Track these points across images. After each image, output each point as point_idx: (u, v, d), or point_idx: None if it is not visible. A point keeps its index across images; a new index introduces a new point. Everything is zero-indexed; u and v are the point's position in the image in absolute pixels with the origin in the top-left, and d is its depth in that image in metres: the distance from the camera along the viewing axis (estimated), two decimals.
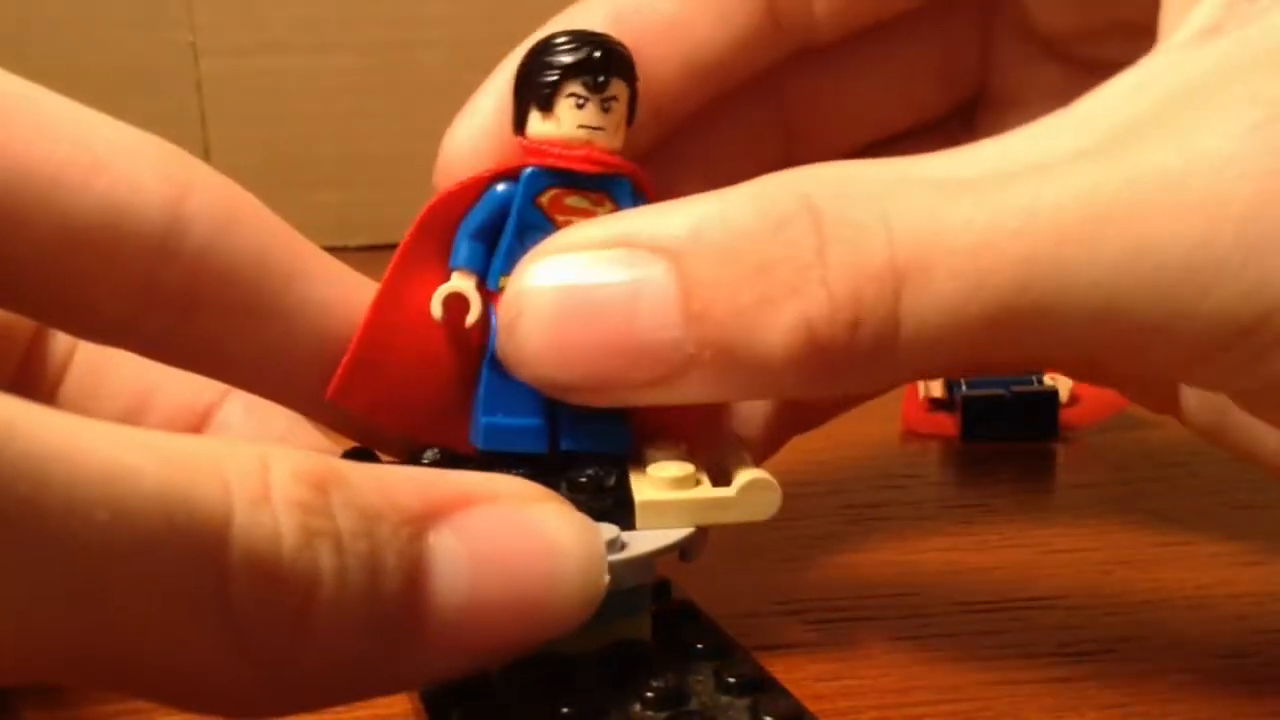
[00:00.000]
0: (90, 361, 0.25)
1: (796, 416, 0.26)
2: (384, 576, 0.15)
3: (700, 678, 0.19)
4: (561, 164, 0.21)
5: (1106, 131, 0.18)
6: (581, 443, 0.21)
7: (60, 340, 0.25)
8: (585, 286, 0.19)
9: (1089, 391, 0.35)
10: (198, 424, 0.25)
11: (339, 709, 0.21)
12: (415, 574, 0.15)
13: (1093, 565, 0.27)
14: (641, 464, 0.21)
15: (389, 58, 0.70)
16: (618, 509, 0.20)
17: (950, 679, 0.22)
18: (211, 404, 0.25)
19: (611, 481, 0.20)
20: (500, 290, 0.21)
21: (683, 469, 0.20)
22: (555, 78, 0.21)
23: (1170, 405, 0.26)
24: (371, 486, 0.15)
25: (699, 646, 0.20)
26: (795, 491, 0.32)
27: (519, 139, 0.21)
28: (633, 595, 0.19)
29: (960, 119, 0.27)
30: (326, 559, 0.14)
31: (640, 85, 0.22)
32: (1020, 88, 0.26)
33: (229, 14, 0.71)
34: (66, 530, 0.12)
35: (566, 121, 0.21)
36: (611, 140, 0.21)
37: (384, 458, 0.22)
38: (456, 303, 0.21)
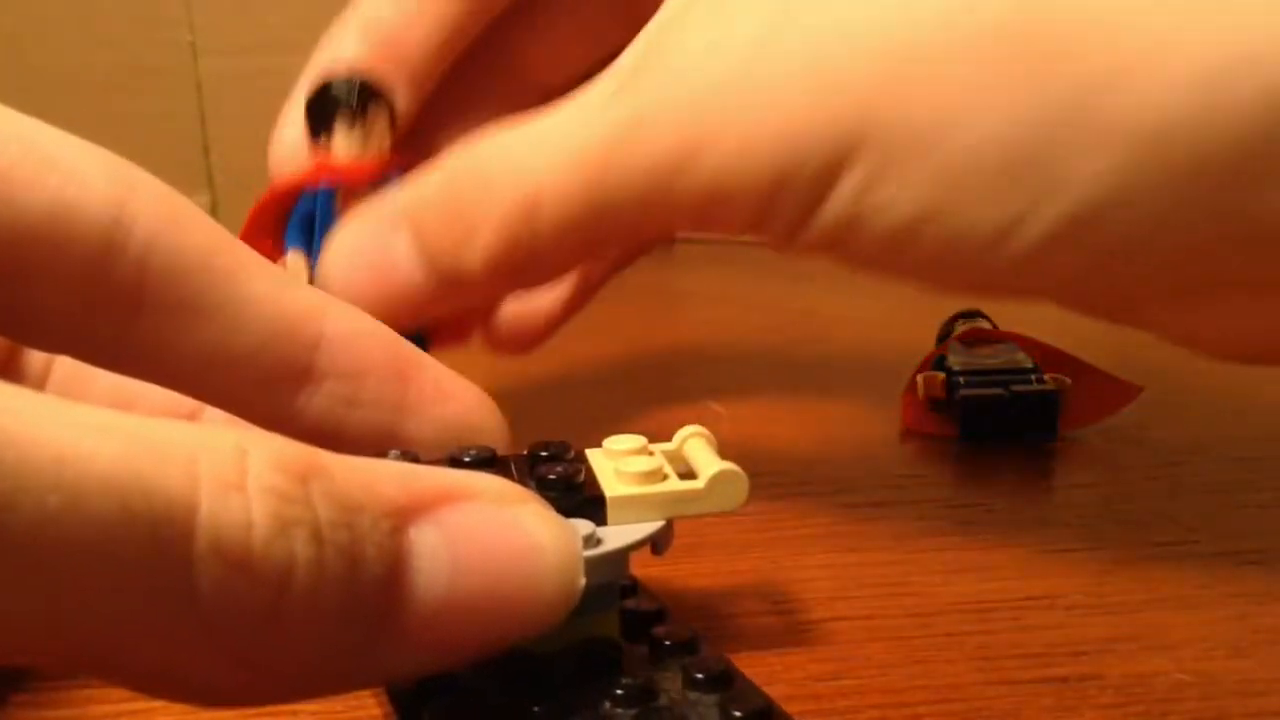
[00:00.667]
0: (67, 377, 0.25)
1: (587, 282, 0.35)
2: (363, 568, 0.15)
3: (669, 674, 0.19)
4: (344, 179, 0.31)
5: (627, 70, 0.24)
6: None
7: (36, 355, 0.25)
8: (359, 252, 0.28)
9: (1089, 392, 0.35)
10: None
11: (308, 705, 0.21)
12: (395, 567, 0.15)
13: (1092, 565, 0.27)
14: (605, 457, 0.21)
15: None
16: (588, 505, 0.20)
17: (950, 679, 0.22)
18: (192, 412, 0.25)
19: (581, 478, 0.20)
20: None
21: (650, 463, 0.21)
22: (328, 116, 0.31)
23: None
24: (353, 478, 0.15)
25: (667, 643, 0.20)
26: (795, 491, 0.32)
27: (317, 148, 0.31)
28: (603, 592, 0.19)
29: None
30: (302, 549, 0.14)
31: (397, 70, 0.31)
32: None
33: (228, 14, 0.71)
34: (16, 516, 0.12)
35: (343, 145, 0.31)
36: (379, 149, 0.31)
37: None
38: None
